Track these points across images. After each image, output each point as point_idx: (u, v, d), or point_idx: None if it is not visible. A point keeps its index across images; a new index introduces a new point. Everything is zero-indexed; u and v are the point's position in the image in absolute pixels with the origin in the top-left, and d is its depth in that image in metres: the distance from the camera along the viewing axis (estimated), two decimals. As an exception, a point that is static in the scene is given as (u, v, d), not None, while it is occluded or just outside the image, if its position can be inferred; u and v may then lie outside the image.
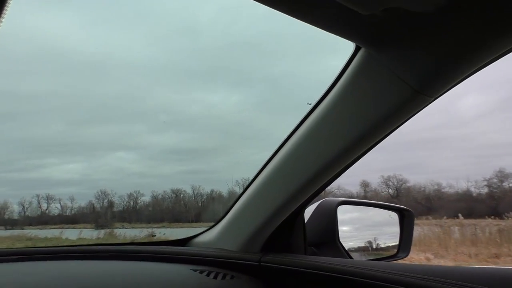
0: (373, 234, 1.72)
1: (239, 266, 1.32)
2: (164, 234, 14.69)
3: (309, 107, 1.09)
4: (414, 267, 1.03)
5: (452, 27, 0.72)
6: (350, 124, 0.97)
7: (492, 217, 11.37)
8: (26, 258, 1.29)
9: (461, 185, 27.46)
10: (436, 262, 8.60)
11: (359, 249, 1.67)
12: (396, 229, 1.70)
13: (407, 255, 1.66)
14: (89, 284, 1.08)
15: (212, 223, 1.59)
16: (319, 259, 1.31)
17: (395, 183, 29.43)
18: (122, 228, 19.85)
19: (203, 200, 28.87)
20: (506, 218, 10.54)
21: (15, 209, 22.28)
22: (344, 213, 1.54)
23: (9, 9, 0.52)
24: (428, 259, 8.81)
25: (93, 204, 24.71)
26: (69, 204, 24.66)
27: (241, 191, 1.37)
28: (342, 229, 1.53)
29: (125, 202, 26.75)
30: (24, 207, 22.94)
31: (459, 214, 11.84)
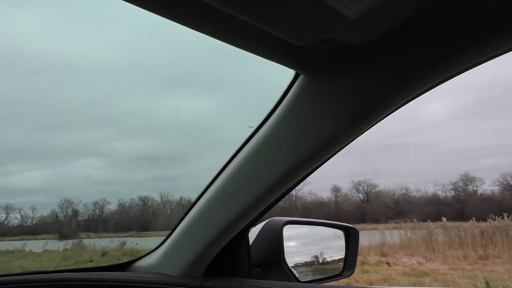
0: (320, 248, 1.74)
1: None
2: (136, 244, 14.01)
3: (251, 130, 1.10)
4: None
5: (387, 56, 0.77)
6: (292, 148, 0.98)
7: (473, 219, 11.51)
8: None
9: (429, 189, 28.28)
10: (429, 266, 8.57)
11: (306, 264, 1.69)
12: (342, 243, 1.74)
13: (352, 273, 1.70)
14: None
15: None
16: (263, 283, 1.31)
17: (365, 188, 30.02)
18: (88, 238, 18.86)
19: (172, 207, 28.44)
20: (488, 220, 10.69)
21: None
22: (291, 228, 1.56)
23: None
24: (420, 263, 8.76)
25: (57, 213, 23.74)
26: (30, 213, 23.51)
27: (184, 212, 1.34)
28: (289, 244, 1.55)
29: (90, 211, 25.90)
30: (-22, 218, 21.74)
31: (443, 218, 12.00)
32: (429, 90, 0.86)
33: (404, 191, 28.47)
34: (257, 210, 1.17)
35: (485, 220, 11.39)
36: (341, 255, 1.72)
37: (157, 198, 27.66)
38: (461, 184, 27.33)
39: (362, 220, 24.82)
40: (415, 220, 12.12)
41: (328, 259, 1.75)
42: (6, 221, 22.81)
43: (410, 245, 10.76)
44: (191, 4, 0.63)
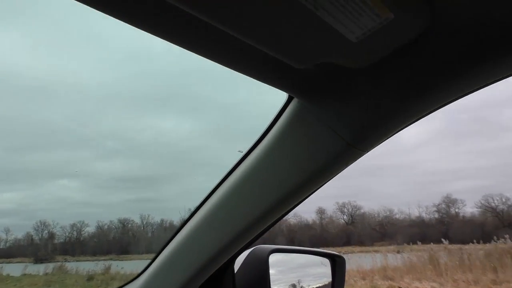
0: (297, 276, 1.70)
1: None
2: (122, 268, 13.40)
3: (241, 155, 1.07)
4: None
5: (387, 80, 0.74)
6: (283, 175, 0.95)
7: (476, 241, 11.38)
8: None
9: (413, 211, 28.50)
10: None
11: None
12: (320, 270, 1.71)
13: None
14: None
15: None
16: None
17: (350, 210, 30.01)
18: (65, 261, 17.97)
19: (153, 230, 27.73)
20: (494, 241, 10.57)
21: None
22: (277, 256, 1.53)
23: None
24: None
25: (32, 235, 23.10)
26: (3, 236, 22.62)
27: (167, 240, 1.29)
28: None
29: (67, 233, 25.25)
30: None
31: (443, 239, 11.86)
32: (428, 115, 0.84)
33: (388, 213, 28.62)
34: (246, 239, 1.14)
35: (487, 242, 11.32)
36: (320, 283, 1.68)
37: (137, 220, 27.12)
38: (443, 206, 27.67)
39: (348, 242, 24.70)
40: (418, 243, 11.97)
41: (306, 287, 1.71)
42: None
43: (415, 268, 10.47)
44: (180, 20, 0.60)
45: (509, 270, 9.16)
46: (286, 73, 0.76)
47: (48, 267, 14.30)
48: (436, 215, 27.91)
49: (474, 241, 11.28)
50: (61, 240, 24.45)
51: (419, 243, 14.00)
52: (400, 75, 0.74)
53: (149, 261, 1.48)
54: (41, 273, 13.47)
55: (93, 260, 19.28)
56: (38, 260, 18.65)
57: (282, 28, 0.59)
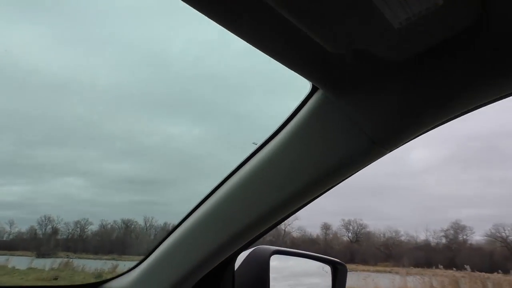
0: (290, 285, 1.68)
1: None
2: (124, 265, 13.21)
3: (255, 147, 1.02)
4: None
5: (420, 81, 0.72)
6: (298, 169, 0.92)
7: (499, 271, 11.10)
8: None
9: (420, 234, 28.18)
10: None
11: None
12: (316, 280, 1.72)
13: None
14: None
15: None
16: None
17: (355, 228, 29.70)
18: (67, 258, 17.83)
19: (156, 233, 27.59)
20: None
21: None
22: (278, 259, 1.51)
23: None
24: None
25: (35, 230, 23.19)
26: (7, 228, 22.79)
27: (168, 231, 1.26)
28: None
29: (71, 230, 25.30)
30: None
31: (466, 265, 11.57)
32: (458, 117, 0.80)
33: (393, 234, 28.30)
34: (249, 236, 1.10)
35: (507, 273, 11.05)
36: None
37: (140, 222, 27.05)
38: (452, 231, 27.34)
39: (351, 260, 24.43)
40: (440, 267, 11.69)
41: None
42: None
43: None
44: None
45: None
46: (317, 61, 0.73)
47: (55, 262, 14.20)
48: (444, 240, 27.53)
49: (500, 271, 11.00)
50: (64, 236, 24.54)
51: (437, 267, 13.65)
52: (437, 74, 0.70)
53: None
54: (47, 268, 13.29)
55: (94, 258, 19.15)
56: (40, 254, 18.66)
57: (326, 6, 0.56)
